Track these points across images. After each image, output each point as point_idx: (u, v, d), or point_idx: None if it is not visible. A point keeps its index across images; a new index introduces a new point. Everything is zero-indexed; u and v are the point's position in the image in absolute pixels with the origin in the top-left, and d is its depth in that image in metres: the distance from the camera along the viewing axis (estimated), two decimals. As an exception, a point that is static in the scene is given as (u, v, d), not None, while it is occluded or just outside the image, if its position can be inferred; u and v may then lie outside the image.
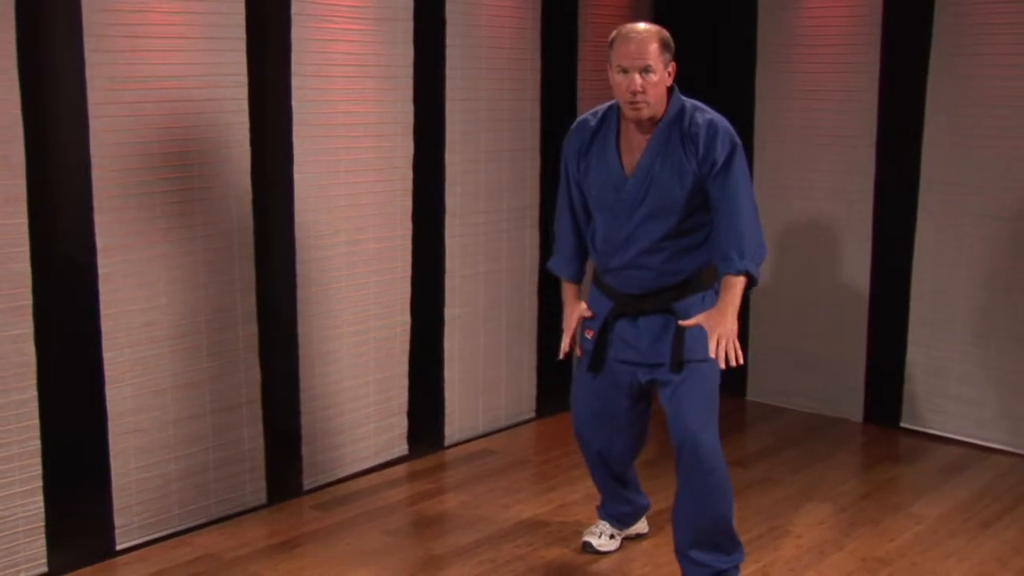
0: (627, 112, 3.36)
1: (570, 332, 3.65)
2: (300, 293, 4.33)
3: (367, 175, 4.50)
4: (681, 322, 3.40)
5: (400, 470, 4.75)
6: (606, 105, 3.54)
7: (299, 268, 4.31)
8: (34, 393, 3.58)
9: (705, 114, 3.39)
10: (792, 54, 5.42)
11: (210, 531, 4.08)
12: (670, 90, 3.40)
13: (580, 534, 4.05)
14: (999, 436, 5.02)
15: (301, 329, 4.35)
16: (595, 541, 3.96)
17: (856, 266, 5.33)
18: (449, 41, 4.73)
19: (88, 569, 3.76)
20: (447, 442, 5.02)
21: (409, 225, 4.70)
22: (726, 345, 3.26)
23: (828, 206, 5.39)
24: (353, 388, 4.59)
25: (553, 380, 5.46)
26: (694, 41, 5.78)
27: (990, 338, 5.00)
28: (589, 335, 3.63)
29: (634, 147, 3.43)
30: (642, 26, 3.33)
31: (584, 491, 4.45)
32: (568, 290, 3.72)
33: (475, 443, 5.08)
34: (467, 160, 4.89)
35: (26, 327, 3.54)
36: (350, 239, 4.47)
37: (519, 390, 5.34)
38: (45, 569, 3.68)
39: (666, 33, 3.35)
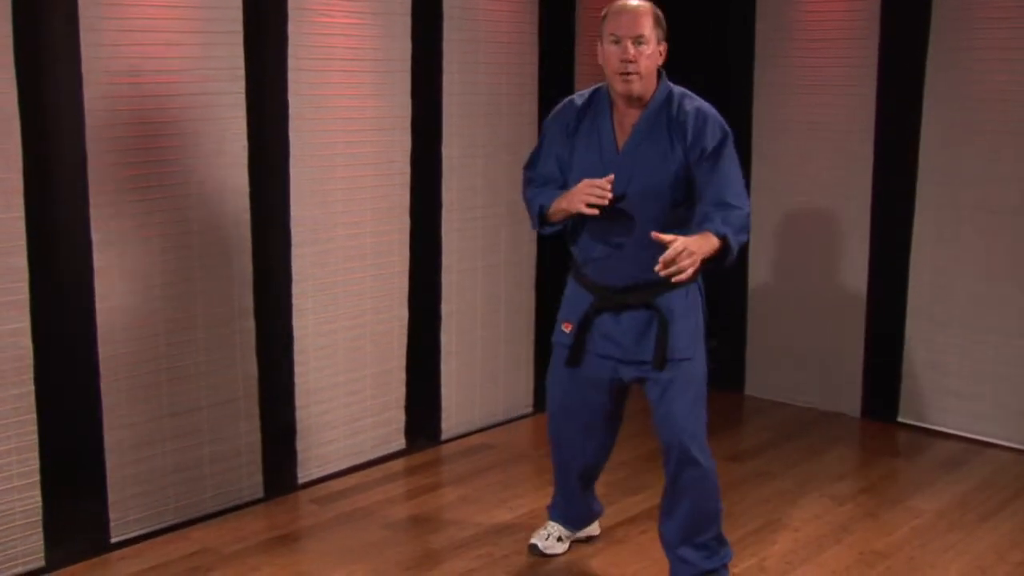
0: (617, 85, 3.29)
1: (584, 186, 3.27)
2: (296, 288, 4.33)
3: (364, 170, 4.49)
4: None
5: (397, 464, 4.75)
6: (593, 88, 3.48)
7: (295, 263, 4.31)
8: (31, 387, 3.58)
9: (694, 101, 3.35)
10: (791, 48, 5.41)
11: (206, 525, 4.08)
12: (659, 74, 3.36)
13: (586, 538, 4.02)
14: (997, 430, 5.02)
15: (297, 323, 4.35)
16: (542, 543, 3.88)
17: (854, 260, 5.33)
18: (447, 35, 4.72)
19: (84, 563, 3.76)
20: (444, 436, 5.02)
21: (406, 219, 4.69)
22: (684, 253, 3.07)
23: (826, 200, 5.38)
24: (350, 382, 4.59)
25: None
26: (693, 36, 5.78)
27: (988, 332, 5.00)
28: (567, 328, 3.54)
29: (623, 127, 3.37)
30: (636, 1, 3.30)
31: (581, 485, 4.45)
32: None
33: (473, 437, 5.08)
34: (465, 155, 4.88)
35: (23, 321, 3.53)
36: (347, 233, 4.47)
37: (517, 384, 5.34)
38: (42, 563, 3.68)
39: (660, 12, 3.32)
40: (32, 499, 3.62)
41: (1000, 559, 3.87)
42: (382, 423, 4.77)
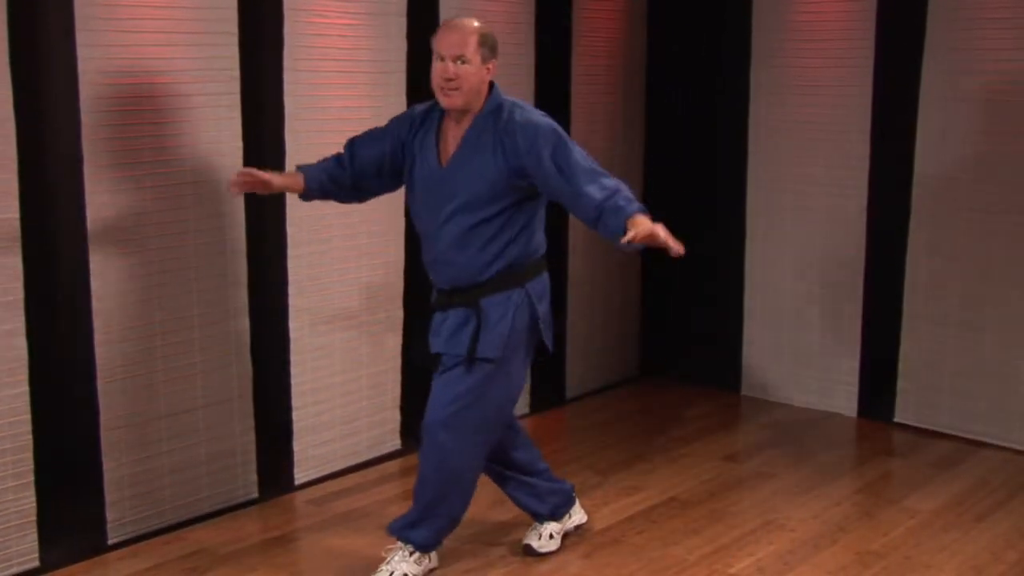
0: (440, 99, 3.41)
1: (248, 174, 3.51)
2: (292, 287, 4.33)
3: (360, 169, 4.49)
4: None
5: (393, 465, 4.75)
6: (433, 100, 3.55)
7: (291, 262, 4.31)
8: (26, 388, 3.58)
9: (524, 112, 3.43)
10: (787, 48, 5.41)
11: (203, 526, 4.08)
12: (491, 86, 3.45)
13: (575, 528, 4.04)
14: (992, 430, 5.02)
15: (293, 323, 4.35)
16: (535, 543, 3.90)
17: (850, 260, 5.33)
18: (442, 35, 4.72)
19: (80, 564, 3.76)
20: (441, 437, 5.01)
21: (401, 219, 4.69)
22: (663, 231, 3.16)
23: (822, 200, 5.39)
24: (345, 382, 4.59)
25: (546, 376, 5.46)
26: (689, 36, 5.79)
27: (984, 332, 5.00)
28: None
29: (451, 141, 3.47)
30: (468, 20, 3.42)
31: (576, 485, 4.44)
32: (288, 175, 3.62)
33: (469, 438, 5.07)
34: (461, 155, 4.87)
35: (18, 322, 3.54)
36: (343, 234, 4.47)
37: (513, 385, 5.32)
38: (37, 564, 3.68)
39: (490, 33, 3.43)
40: (27, 499, 3.62)
41: (995, 559, 3.87)
42: (378, 424, 4.77)
